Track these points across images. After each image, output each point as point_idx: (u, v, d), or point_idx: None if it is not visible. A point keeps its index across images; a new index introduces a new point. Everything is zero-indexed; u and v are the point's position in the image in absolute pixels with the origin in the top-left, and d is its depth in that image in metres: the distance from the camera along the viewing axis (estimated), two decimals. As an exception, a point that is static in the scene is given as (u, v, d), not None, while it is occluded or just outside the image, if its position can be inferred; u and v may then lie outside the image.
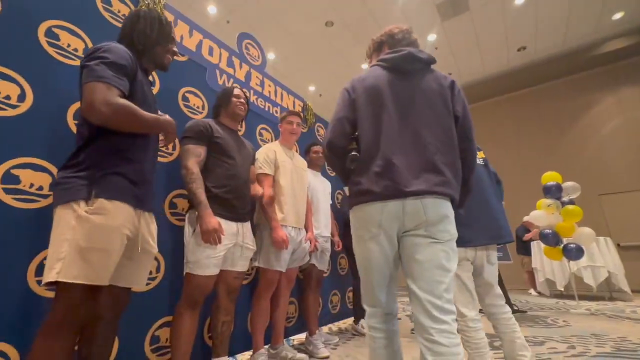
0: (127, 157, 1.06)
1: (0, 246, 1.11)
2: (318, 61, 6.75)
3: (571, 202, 3.76)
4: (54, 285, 0.92)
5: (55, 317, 0.89)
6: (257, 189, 1.83)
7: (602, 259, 4.43)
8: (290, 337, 2.46)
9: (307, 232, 2.14)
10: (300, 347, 2.27)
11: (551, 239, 3.62)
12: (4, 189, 1.14)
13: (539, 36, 6.18)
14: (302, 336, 2.48)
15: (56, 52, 1.36)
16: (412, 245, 0.98)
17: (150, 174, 1.19)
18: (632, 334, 2.42)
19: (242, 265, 1.66)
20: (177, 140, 1.77)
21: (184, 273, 1.50)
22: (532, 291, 5.58)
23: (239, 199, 1.63)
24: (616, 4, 5.45)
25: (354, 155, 1.07)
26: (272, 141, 2.42)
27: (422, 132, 1.03)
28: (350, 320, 3.16)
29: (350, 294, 3.21)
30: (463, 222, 1.45)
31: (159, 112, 1.25)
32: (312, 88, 7.76)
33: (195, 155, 1.51)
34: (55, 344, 0.87)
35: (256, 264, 1.89)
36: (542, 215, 3.77)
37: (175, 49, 1.31)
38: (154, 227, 1.21)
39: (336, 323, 3.19)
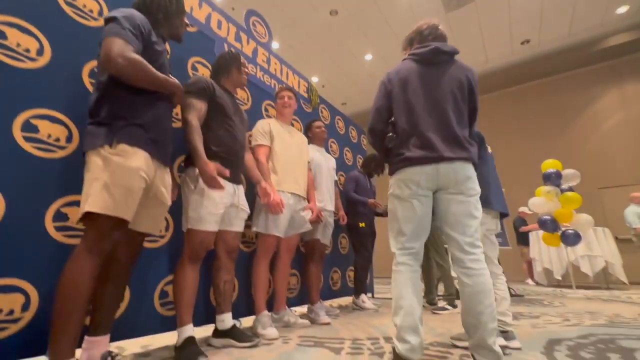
0: (144, 110, 1.17)
1: (21, 191, 1.16)
2: (322, 51, 6.78)
3: (570, 189, 3.81)
4: (86, 220, 1.06)
5: (85, 244, 1.02)
6: (253, 169, 1.89)
7: (599, 248, 4.48)
8: (291, 308, 2.52)
9: (309, 202, 2.19)
10: (302, 318, 2.33)
11: (550, 225, 3.67)
12: (24, 137, 1.19)
13: (543, 29, 6.20)
14: (303, 309, 2.55)
15: (73, 12, 1.40)
16: (447, 201, 1.24)
17: (166, 129, 1.28)
18: (626, 312, 2.48)
19: (238, 225, 1.70)
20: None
21: (185, 229, 1.53)
22: (529, 281, 5.64)
23: (236, 161, 1.67)
24: (621, -3, 5.46)
25: (391, 136, 1.34)
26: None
27: (448, 112, 1.28)
28: (350, 300, 3.23)
29: (351, 273, 3.27)
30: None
31: (170, 76, 1.31)
32: (315, 79, 7.80)
33: (197, 110, 1.52)
34: (84, 264, 1.00)
35: (255, 229, 1.93)
36: (541, 201, 3.82)
37: (186, 20, 1.43)
38: (168, 180, 1.29)
39: (336, 300, 3.25)
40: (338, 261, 3.13)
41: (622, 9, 5.73)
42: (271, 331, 1.74)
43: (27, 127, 1.21)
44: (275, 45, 6.39)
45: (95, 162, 1.07)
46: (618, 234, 5.75)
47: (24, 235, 1.16)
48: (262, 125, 2.06)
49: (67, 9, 1.39)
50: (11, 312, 1.10)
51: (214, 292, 1.71)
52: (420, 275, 1.27)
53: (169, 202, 1.32)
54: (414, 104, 1.29)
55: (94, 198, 1.02)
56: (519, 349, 1.44)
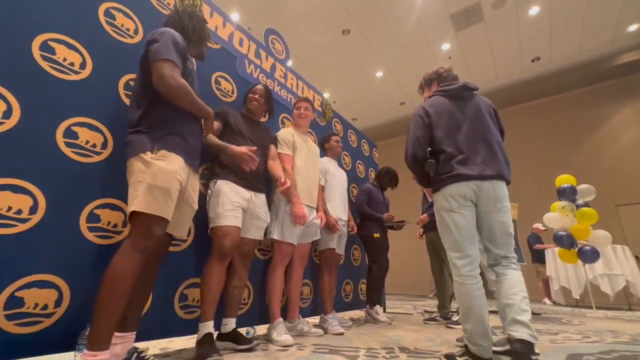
0: (180, 123, 1.30)
1: (60, 192, 1.24)
2: (333, 68, 6.97)
3: (586, 205, 3.75)
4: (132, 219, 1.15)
5: (131, 240, 1.10)
6: (276, 169, 1.95)
7: (619, 267, 4.34)
8: (305, 319, 2.51)
9: (317, 211, 2.26)
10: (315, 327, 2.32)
11: (566, 240, 3.60)
12: (65, 142, 1.29)
13: (554, 47, 6.25)
14: (316, 320, 2.54)
15: (112, 30, 1.53)
16: (485, 214, 1.42)
17: (197, 141, 1.40)
18: (650, 332, 2.39)
19: (254, 234, 1.77)
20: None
21: (209, 231, 1.63)
22: (546, 300, 5.46)
23: (250, 171, 1.71)
24: (631, 15, 5.50)
25: (431, 162, 1.51)
26: (293, 129, 2.55)
27: (487, 136, 1.49)
28: (362, 313, 3.19)
29: (363, 286, 3.25)
30: None
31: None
32: (326, 95, 7.97)
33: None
34: (129, 259, 1.08)
35: (271, 236, 1.99)
36: (556, 217, 3.76)
37: (209, 45, 1.64)
38: (196, 186, 1.41)
39: (348, 312, 3.22)
40: (350, 273, 3.12)
41: (633, 27, 5.77)
42: (286, 338, 1.75)
43: (69, 133, 1.30)
44: (289, 63, 6.62)
45: (137, 166, 1.17)
46: (638, 253, 5.56)
47: (60, 234, 1.23)
48: (285, 134, 2.14)
49: (108, 28, 1.52)
50: (45, 306, 1.16)
51: (224, 296, 1.74)
52: (482, 283, 1.39)
53: (196, 206, 1.41)
54: (456, 131, 1.49)
55: (140, 199, 1.11)
56: (537, 354, 1.43)
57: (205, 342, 1.43)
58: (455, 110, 1.53)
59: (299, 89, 2.86)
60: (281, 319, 1.89)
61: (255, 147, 1.61)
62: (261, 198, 1.81)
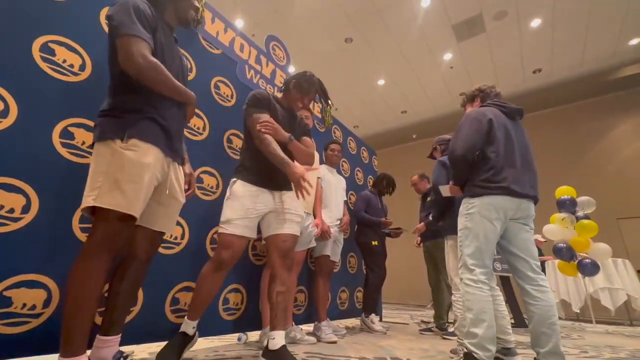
0: (157, 104, 1.15)
1: (53, 192, 1.25)
2: (336, 76, 7.01)
3: (586, 217, 3.72)
4: (93, 214, 1.02)
5: (92, 241, 0.99)
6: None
7: (620, 281, 4.27)
8: (298, 326, 2.49)
9: (315, 218, 2.25)
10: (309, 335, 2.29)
11: (565, 253, 3.56)
12: (61, 142, 1.30)
13: (555, 59, 6.28)
14: (310, 328, 2.51)
15: (113, 33, 1.55)
16: (518, 228, 1.54)
17: (179, 127, 1.26)
18: (650, 348, 2.35)
19: (285, 228, 1.58)
20: (207, 122, 1.93)
21: (216, 234, 1.57)
22: (546, 314, 5.38)
23: (274, 170, 1.56)
24: (633, 29, 5.53)
25: (476, 162, 1.61)
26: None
27: (532, 163, 1.63)
28: (357, 322, 3.16)
29: (359, 294, 3.22)
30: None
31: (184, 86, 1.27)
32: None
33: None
34: (91, 263, 0.97)
35: (264, 242, 1.95)
36: (556, 229, 3.73)
37: (197, 4, 1.38)
38: (181, 177, 1.30)
39: (343, 321, 3.19)
40: (346, 280, 3.10)
41: (635, 41, 5.79)
42: (278, 345, 1.72)
43: (65, 134, 1.31)
44: (291, 68, 6.67)
45: (103, 155, 1.03)
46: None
47: (52, 234, 1.23)
48: None
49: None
50: (33, 307, 1.15)
51: (269, 304, 1.55)
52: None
53: (183, 200, 1.32)
54: (512, 147, 1.57)
55: (102, 193, 0.98)
56: None
57: (171, 342, 1.38)
58: (511, 129, 1.61)
59: (299, 95, 2.87)
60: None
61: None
62: (288, 195, 1.64)
